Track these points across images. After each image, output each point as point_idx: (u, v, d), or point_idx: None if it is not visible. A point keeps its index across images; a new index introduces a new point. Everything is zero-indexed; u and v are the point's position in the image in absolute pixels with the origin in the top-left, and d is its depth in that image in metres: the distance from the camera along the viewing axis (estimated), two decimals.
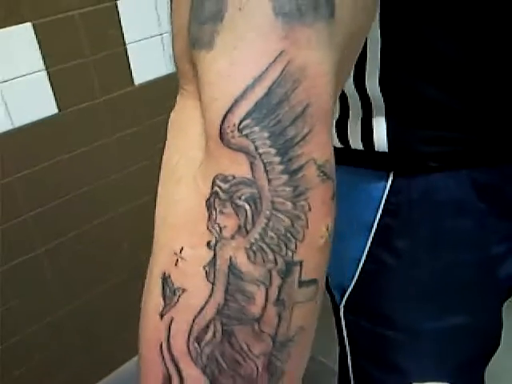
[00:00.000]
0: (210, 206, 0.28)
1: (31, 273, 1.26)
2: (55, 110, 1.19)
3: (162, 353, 0.29)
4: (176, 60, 0.32)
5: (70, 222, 1.30)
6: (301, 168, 0.27)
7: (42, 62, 1.14)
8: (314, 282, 0.29)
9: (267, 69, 0.26)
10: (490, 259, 0.55)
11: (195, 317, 0.28)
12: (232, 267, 0.27)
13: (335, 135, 0.54)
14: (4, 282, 1.21)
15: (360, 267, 0.58)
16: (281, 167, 0.27)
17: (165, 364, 0.28)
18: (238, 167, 0.27)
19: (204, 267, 0.28)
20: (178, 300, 0.28)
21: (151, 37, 1.28)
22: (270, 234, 0.27)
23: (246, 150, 0.27)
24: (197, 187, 0.28)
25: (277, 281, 0.27)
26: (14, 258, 1.23)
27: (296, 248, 0.27)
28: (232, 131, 0.27)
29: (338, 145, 0.54)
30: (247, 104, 0.26)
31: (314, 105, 0.27)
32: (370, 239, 0.56)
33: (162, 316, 0.29)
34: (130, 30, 1.24)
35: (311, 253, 0.28)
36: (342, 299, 0.62)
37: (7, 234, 1.20)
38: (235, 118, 0.27)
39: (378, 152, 0.52)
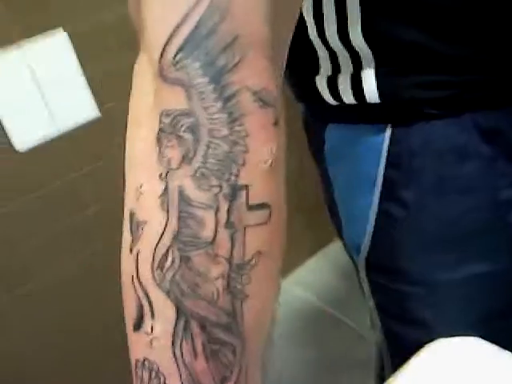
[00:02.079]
0: (158, 141, 0.30)
1: None
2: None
3: (133, 283, 0.31)
4: (130, 14, 0.35)
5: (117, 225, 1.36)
6: (234, 95, 0.29)
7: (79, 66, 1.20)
8: (264, 205, 0.30)
9: (195, 5, 0.28)
10: (500, 204, 0.54)
11: (156, 246, 0.30)
12: (181, 195, 0.29)
13: (328, 93, 0.54)
14: None
15: (371, 223, 0.58)
16: (214, 95, 0.28)
17: (136, 293, 0.31)
18: (177, 100, 0.29)
19: (158, 197, 0.30)
20: (141, 233, 0.30)
21: None
22: (211, 160, 0.29)
23: (181, 82, 0.29)
24: (149, 126, 0.30)
25: (224, 204, 0.29)
26: None
27: (238, 172, 0.29)
28: (168, 66, 0.29)
29: (334, 102, 0.55)
30: (178, 40, 0.29)
31: (243, 35, 0.29)
32: (377, 194, 0.56)
33: (131, 250, 0.31)
34: None
35: (256, 176, 0.30)
36: (358, 257, 0.62)
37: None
38: (169, 54, 0.29)
39: (370, 104, 0.52)
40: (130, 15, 0.34)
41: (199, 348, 0.30)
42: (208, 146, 0.29)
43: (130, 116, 0.34)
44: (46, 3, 1.13)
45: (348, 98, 0.53)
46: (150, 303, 0.30)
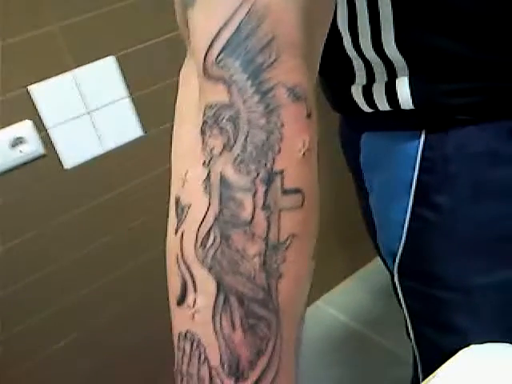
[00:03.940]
0: (202, 132, 0.33)
1: None
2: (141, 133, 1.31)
3: (178, 261, 0.34)
4: (179, 26, 0.38)
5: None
6: (270, 89, 0.32)
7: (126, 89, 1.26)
8: (297, 191, 0.33)
9: (235, 11, 0.32)
10: None
11: (199, 226, 0.33)
12: (223, 179, 0.32)
13: (363, 101, 0.57)
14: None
15: (405, 228, 0.59)
16: (253, 89, 0.32)
17: (180, 270, 0.34)
18: (219, 94, 0.32)
19: (202, 183, 0.33)
20: (186, 215, 0.34)
21: None
22: (249, 147, 0.32)
23: (223, 78, 0.32)
24: (194, 121, 0.34)
25: (261, 188, 0.32)
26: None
27: (274, 159, 0.32)
28: (211, 65, 0.33)
29: (369, 110, 0.57)
30: (221, 42, 0.33)
31: (279, 36, 0.33)
32: (411, 199, 0.58)
33: (176, 232, 0.34)
34: None
35: (290, 163, 0.32)
36: (393, 264, 0.63)
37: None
38: (212, 55, 0.33)
39: (404, 110, 0.54)
40: (179, 27, 0.38)
41: (237, 321, 0.33)
42: (247, 135, 0.32)
43: (176, 115, 0.37)
44: (98, 32, 1.20)
45: (382, 105, 0.55)
46: (193, 279, 0.33)
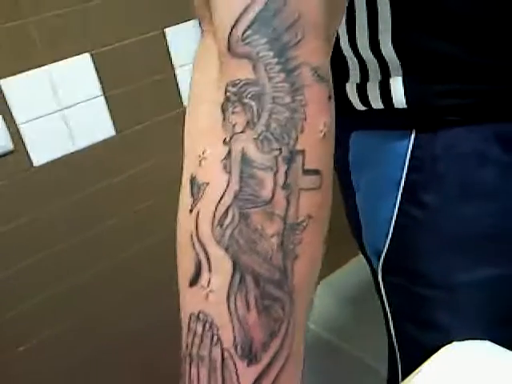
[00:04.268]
0: (223, 109, 0.33)
1: None
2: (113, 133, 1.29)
3: (192, 241, 0.33)
4: (196, 9, 0.38)
5: (131, 238, 1.38)
6: (296, 68, 0.32)
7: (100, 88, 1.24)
8: (316, 172, 0.33)
9: None
10: None
11: (217, 204, 0.33)
12: (244, 157, 0.32)
13: (357, 98, 0.58)
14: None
15: (392, 226, 0.61)
16: (279, 67, 0.32)
17: (195, 250, 0.33)
18: (243, 71, 0.32)
19: (222, 161, 0.33)
20: (202, 194, 0.33)
21: None
22: (273, 124, 0.32)
23: (248, 55, 0.32)
24: (214, 99, 0.34)
25: (283, 167, 0.32)
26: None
27: (297, 138, 0.32)
28: (237, 42, 0.32)
29: (362, 107, 0.58)
30: (247, 18, 0.32)
31: (304, 16, 0.33)
32: (399, 197, 0.59)
33: (191, 211, 0.34)
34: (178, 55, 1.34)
35: (311, 144, 0.33)
36: (378, 262, 0.64)
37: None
38: (239, 30, 0.33)
39: (397, 109, 0.55)
40: (195, 5, 0.38)
41: (252, 302, 0.33)
42: (271, 112, 0.32)
43: (191, 94, 0.37)
44: (74, 28, 1.18)
45: (376, 103, 0.56)
46: (208, 258, 0.33)
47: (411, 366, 0.56)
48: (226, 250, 0.32)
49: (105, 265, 1.34)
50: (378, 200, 0.61)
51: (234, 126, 0.32)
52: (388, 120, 0.57)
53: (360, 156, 0.63)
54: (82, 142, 1.25)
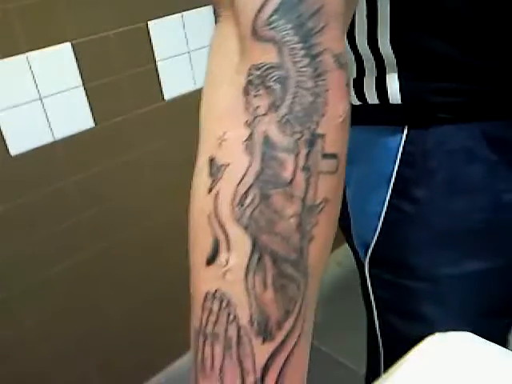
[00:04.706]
0: (246, 92, 0.34)
1: None
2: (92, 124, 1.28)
3: (210, 220, 0.34)
4: None
5: (105, 231, 1.37)
6: (319, 54, 0.33)
7: (80, 78, 1.23)
8: (334, 156, 0.34)
9: None
10: (501, 206, 0.59)
11: (237, 185, 0.33)
12: (266, 139, 0.33)
13: (353, 93, 0.59)
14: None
15: (382, 219, 0.62)
16: (303, 52, 0.33)
17: (213, 229, 0.34)
18: (268, 55, 0.33)
19: (243, 142, 0.33)
20: (222, 175, 0.34)
21: (180, 54, 1.37)
22: (297, 108, 0.33)
23: (273, 39, 0.33)
24: (235, 82, 0.34)
25: (304, 149, 0.33)
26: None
27: (318, 122, 0.33)
28: (262, 26, 0.33)
29: (357, 102, 0.60)
30: (273, 3, 0.33)
31: (327, 5, 0.34)
32: (390, 191, 0.61)
33: (209, 191, 0.34)
34: (160, 48, 1.33)
35: (331, 128, 0.34)
36: (366, 255, 0.66)
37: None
38: (264, 15, 0.33)
39: (392, 105, 0.57)
40: None
41: (269, 281, 0.33)
42: (295, 96, 0.33)
43: (208, 79, 0.38)
44: (55, 16, 1.16)
45: (372, 98, 0.58)
46: (227, 238, 0.33)
47: (394, 357, 0.58)
48: (246, 229, 0.33)
49: (82, 256, 1.32)
50: (369, 194, 0.63)
51: (256, 108, 0.33)
52: (382, 115, 0.59)
53: (351, 151, 0.63)
54: (61, 133, 1.24)
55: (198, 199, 0.35)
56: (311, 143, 0.33)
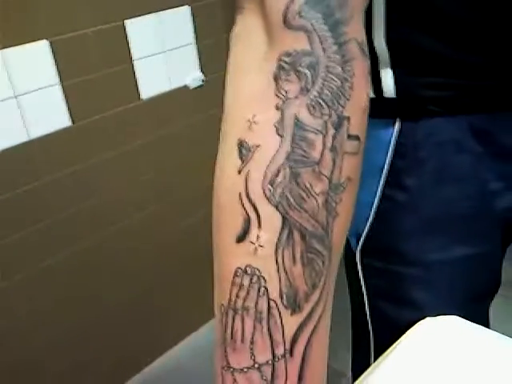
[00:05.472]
0: (276, 77, 0.36)
1: None
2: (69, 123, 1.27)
3: (241, 200, 0.36)
4: None
5: (83, 230, 1.36)
6: (346, 42, 0.36)
7: (57, 76, 1.22)
8: (357, 137, 0.37)
9: None
10: (487, 194, 0.63)
11: (268, 165, 0.35)
12: (296, 121, 0.35)
13: None
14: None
15: (374, 208, 0.65)
16: (332, 39, 0.35)
17: (244, 208, 0.36)
18: (299, 42, 0.35)
19: (274, 124, 0.35)
20: (253, 155, 0.36)
21: (156, 54, 1.37)
22: (326, 91, 0.35)
23: (304, 28, 0.35)
24: (264, 69, 0.36)
25: (331, 131, 0.35)
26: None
27: (344, 105, 0.35)
28: (293, 16, 0.35)
29: None
30: None
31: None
32: (382, 181, 0.63)
33: (239, 171, 0.36)
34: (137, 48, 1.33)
35: (356, 111, 0.36)
36: (358, 243, 0.68)
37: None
38: (295, 6, 0.35)
39: (386, 99, 0.60)
40: None
41: (298, 255, 0.35)
42: (324, 80, 0.35)
43: (233, 66, 0.39)
44: (32, 13, 1.15)
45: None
46: (258, 215, 0.35)
47: (384, 342, 0.60)
48: (276, 207, 0.35)
49: (58, 257, 1.31)
50: (363, 184, 0.65)
51: (286, 92, 0.35)
52: (376, 108, 0.61)
53: None
54: (37, 132, 1.22)
55: (226, 180, 0.37)
56: (338, 125, 0.35)
